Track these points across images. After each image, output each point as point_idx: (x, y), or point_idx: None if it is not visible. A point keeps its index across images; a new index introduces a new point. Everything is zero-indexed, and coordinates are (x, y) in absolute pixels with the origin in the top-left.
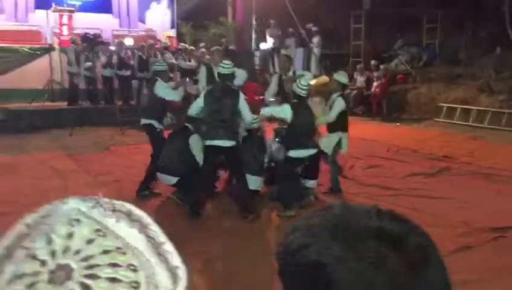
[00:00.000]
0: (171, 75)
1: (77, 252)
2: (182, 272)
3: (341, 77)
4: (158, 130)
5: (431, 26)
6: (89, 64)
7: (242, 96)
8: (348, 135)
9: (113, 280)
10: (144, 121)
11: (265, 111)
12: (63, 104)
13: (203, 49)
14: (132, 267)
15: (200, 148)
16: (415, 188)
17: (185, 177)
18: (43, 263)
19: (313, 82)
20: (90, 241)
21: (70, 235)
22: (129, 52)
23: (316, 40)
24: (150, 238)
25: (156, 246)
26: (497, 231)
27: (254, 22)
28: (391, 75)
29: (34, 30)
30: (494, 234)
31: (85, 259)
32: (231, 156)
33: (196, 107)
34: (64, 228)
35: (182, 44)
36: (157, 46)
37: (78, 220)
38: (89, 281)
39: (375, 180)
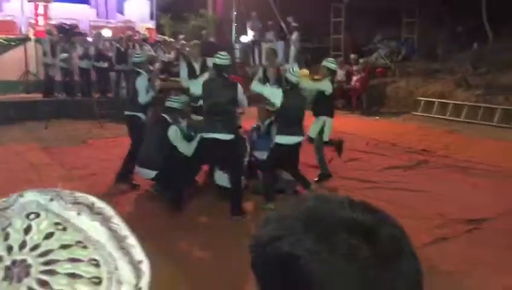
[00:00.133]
0: (151, 67)
1: (35, 247)
2: (145, 267)
3: (330, 63)
4: (142, 121)
5: (409, 20)
6: (65, 55)
7: (240, 87)
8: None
9: (73, 275)
10: (127, 112)
11: (257, 87)
12: (39, 96)
13: (183, 41)
14: (94, 262)
15: (181, 138)
16: (393, 181)
17: (164, 171)
18: None
19: None
20: (48, 236)
21: (27, 230)
22: (107, 44)
23: (294, 35)
24: (112, 232)
25: (118, 240)
26: (472, 222)
27: (234, 14)
28: (370, 68)
29: (8, 20)
30: (469, 226)
31: (43, 254)
32: (228, 150)
33: (197, 89)
34: (21, 221)
35: (160, 36)
36: (135, 37)
37: (36, 214)
38: (47, 278)
39: (354, 173)
